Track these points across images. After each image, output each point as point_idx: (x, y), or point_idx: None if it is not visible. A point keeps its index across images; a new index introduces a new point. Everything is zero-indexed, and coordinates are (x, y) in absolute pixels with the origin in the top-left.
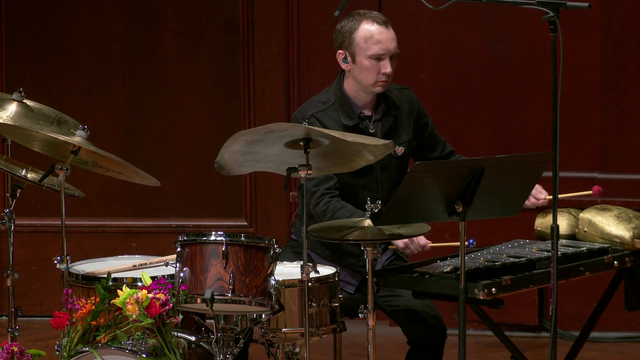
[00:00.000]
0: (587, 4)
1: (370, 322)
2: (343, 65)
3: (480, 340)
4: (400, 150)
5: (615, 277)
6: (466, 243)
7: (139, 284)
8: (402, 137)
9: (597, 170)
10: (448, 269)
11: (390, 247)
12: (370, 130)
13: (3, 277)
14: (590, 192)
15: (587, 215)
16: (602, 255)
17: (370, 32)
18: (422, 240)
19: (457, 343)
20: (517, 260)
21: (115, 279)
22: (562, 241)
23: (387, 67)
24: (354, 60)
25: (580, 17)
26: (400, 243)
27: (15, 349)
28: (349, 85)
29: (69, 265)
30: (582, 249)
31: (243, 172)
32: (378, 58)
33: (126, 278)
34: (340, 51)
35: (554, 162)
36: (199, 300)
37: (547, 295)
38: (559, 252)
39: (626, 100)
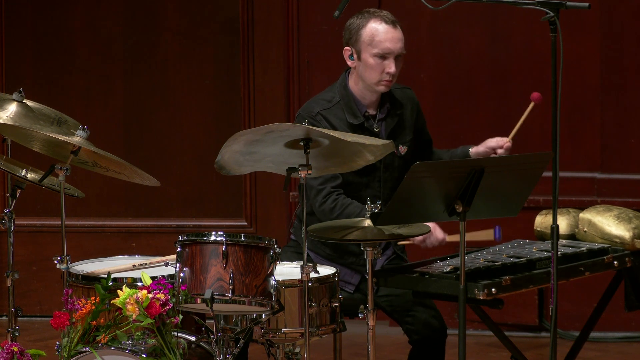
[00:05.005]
0: (587, 4)
1: (370, 322)
2: (349, 62)
3: (480, 340)
4: (403, 149)
5: (615, 277)
6: (494, 235)
7: (139, 284)
8: (406, 136)
9: (597, 170)
10: (448, 269)
11: (399, 243)
12: (374, 130)
13: (3, 277)
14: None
15: (587, 215)
16: (602, 255)
17: (377, 30)
18: (439, 234)
19: (457, 343)
20: (517, 260)
21: (115, 279)
22: (562, 241)
23: (391, 67)
24: (359, 58)
25: (580, 17)
26: (418, 237)
27: (15, 349)
28: (354, 84)
29: (69, 265)
30: (582, 249)
31: (243, 172)
32: (383, 57)
33: (126, 278)
34: (347, 47)
35: (554, 162)
36: (199, 300)
37: (547, 295)
38: (559, 252)
39: (626, 100)
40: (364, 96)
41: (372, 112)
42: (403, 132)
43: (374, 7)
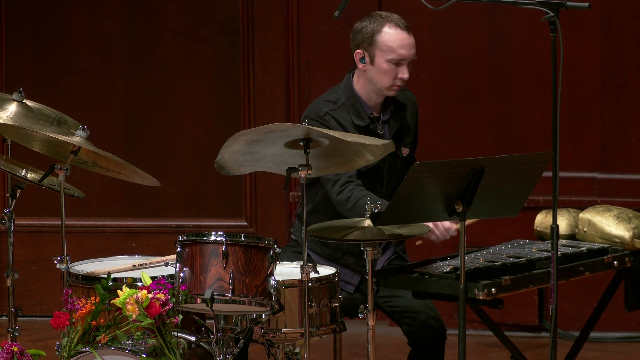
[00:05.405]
0: (587, 4)
1: (370, 322)
2: (360, 65)
3: (480, 340)
4: (405, 151)
5: (615, 277)
6: None
7: (139, 284)
8: (408, 138)
9: (597, 170)
10: (448, 269)
11: (416, 243)
12: (379, 132)
13: (3, 277)
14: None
15: (587, 215)
16: (602, 255)
17: (394, 36)
18: (446, 223)
19: (457, 343)
20: (517, 260)
21: (115, 279)
22: (562, 241)
23: (404, 73)
24: (372, 62)
25: (580, 17)
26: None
27: (15, 349)
28: (360, 86)
29: (69, 265)
30: (582, 249)
31: (243, 172)
32: (397, 63)
33: (126, 278)
34: (358, 50)
35: (554, 162)
36: (199, 300)
37: (547, 295)
38: (559, 252)
39: (626, 100)
40: (369, 98)
41: (376, 114)
42: (405, 134)
43: (373, 7)
